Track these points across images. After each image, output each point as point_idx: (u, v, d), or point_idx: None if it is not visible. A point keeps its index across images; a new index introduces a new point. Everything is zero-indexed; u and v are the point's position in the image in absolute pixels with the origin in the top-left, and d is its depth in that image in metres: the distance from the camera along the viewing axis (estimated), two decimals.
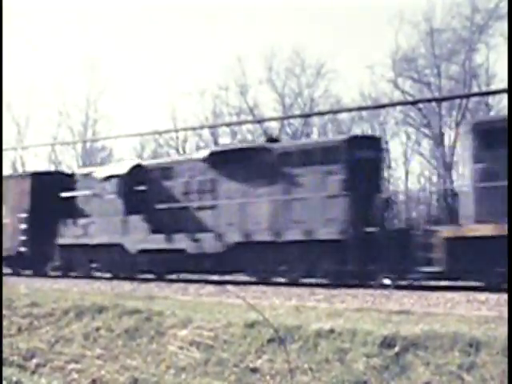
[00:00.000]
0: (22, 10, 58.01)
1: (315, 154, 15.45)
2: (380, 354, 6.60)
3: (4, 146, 46.36)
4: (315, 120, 38.79)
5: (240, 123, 47.80)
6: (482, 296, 10.90)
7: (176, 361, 7.78)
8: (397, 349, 6.59)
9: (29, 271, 21.54)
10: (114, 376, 7.87)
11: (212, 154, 17.71)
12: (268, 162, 16.24)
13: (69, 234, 20.27)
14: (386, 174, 24.00)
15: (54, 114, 47.73)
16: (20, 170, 43.55)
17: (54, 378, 8.35)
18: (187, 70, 55.20)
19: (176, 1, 50.82)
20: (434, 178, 37.27)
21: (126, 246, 18.67)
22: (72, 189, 20.71)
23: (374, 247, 14.03)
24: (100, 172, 20.36)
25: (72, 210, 20.39)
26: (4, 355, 9.11)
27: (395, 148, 49.38)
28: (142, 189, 18.71)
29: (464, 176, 13.81)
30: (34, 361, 8.97)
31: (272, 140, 18.31)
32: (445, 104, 32.80)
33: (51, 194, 20.74)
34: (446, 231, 13.28)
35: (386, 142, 32.42)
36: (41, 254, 21.07)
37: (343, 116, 38.55)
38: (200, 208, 17.52)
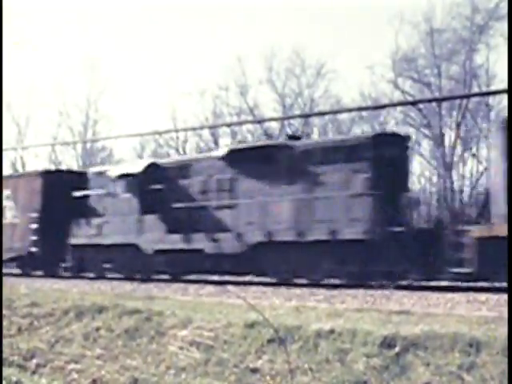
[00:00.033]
0: (22, 10, 58.09)
1: (339, 152, 15.05)
2: (380, 354, 6.60)
3: (4, 146, 46.41)
4: (315, 120, 38.82)
5: (240, 123, 47.81)
6: (482, 296, 10.90)
7: (176, 361, 7.78)
8: (397, 349, 6.59)
9: (40, 272, 21.17)
10: (114, 376, 7.87)
11: (231, 152, 17.34)
12: (289, 159, 15.88)
13: (81, 234, 19.84)
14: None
15: (54, 114, 47.94)
16: (20, 170, 43.58)
17: (54, 378, 8.35)
18: (187, 70, 55.35)
19: (176, 1, 50.86)
20: (434, 179, 37.30)
21: (141, 246, 18.26)
22: (84, 188, 20.28)
23: (401, 247, 13.64)
24: (114, 171, 19.94)
25: (85, 210, 19.98)
26: (4, 355, 9.10)
27: None
28: (157, 187, 18.29)
29: (496, 174, 13.28)
30: (34, 361, 8.96)
31: (293, 137, 17.93)
32: (445, 104, 32.82)
33: (63, 193, 20.33)
34: (477, 231, 12.89)
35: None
36: (52, 255, 20.73)
37: (343, 116, 38.66)
38: (219, 207, 17.13)
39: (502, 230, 12.18)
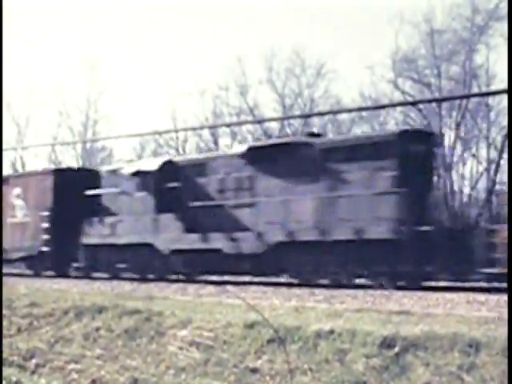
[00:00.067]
0: (22, 9, 58.08)
1: (363, 149, 14.58)
2: (380, 354, 6.60)
3: (4, 146, 46.33)
4: (315, 120, 38.76)
5: (240, 123, 47.79)
6: (482, 297, 10.90)
7: (176, 361, 7.78)
8: (396, 349, 6.59)
9: (51, 272, 20.73)
10: (114, 376, 7.87)
11: (250, 150, 16.94)
12: (311, 157, 15.43)
13: (94, 233, 19.31)
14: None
15: (54, 114, 47.80)
16: (20, 170, 43.58)
17: (54, 378, 8.35)
18: (187, 70, 55.26)
19: (176, 1, 50.86)
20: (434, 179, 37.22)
21: (157, 246, 17.76)
22: (97, 186, 19.77)
23: (429, 247, 13.22)
24: (128, 168, 19.37)
25: (97, 208, 19.49)
26: (4, 355, 9.11)
27: None
28: (174, 186, 17.81)
29: None
30: (34, 361, 8.97)
31: (313, 135, 17.55)
32: (445, 104, 32.81)
33: (75, 192, 19.82)
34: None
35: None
36: (64, 254, 20.24)
37: (343, 116, 38.58)
38: (237, 206, 16.68)
39: None
